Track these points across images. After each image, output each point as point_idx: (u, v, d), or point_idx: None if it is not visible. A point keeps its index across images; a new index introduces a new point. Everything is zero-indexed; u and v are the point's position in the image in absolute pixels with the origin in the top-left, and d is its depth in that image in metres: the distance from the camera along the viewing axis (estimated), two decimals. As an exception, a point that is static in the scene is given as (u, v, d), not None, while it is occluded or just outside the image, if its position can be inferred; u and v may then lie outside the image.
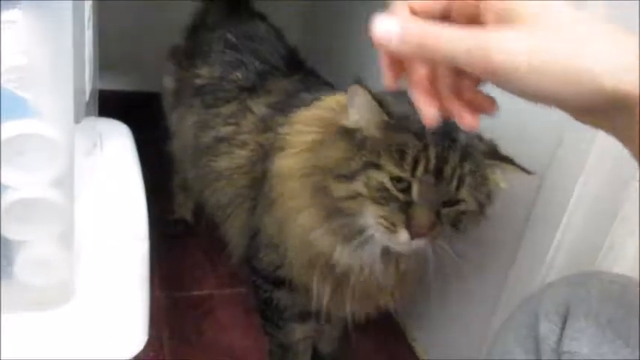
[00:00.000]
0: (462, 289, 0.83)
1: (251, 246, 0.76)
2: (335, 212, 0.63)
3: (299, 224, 0.66)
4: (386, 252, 0.65)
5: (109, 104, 0.82)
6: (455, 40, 0.35)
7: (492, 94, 0.39)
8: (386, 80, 0.41)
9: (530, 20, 0.34)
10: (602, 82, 0.32)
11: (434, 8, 0.38)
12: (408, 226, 0.58)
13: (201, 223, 1.07)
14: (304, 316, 0.77)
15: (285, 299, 0.75)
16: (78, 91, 0.58)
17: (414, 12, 0.38)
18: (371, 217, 0.60)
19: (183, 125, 0.92)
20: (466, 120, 0.39)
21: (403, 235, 0.59)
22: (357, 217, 0.62)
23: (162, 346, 0.86)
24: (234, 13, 0.99)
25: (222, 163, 0.80)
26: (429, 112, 0.39)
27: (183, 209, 1.16)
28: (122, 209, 0.69)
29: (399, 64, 0.39)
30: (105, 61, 0.81)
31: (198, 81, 0.90)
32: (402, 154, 0.59)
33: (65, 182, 0.49)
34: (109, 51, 0.84)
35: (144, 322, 0.59)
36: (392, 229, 0.59)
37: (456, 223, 0.62)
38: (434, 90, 0.40)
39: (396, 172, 0.59)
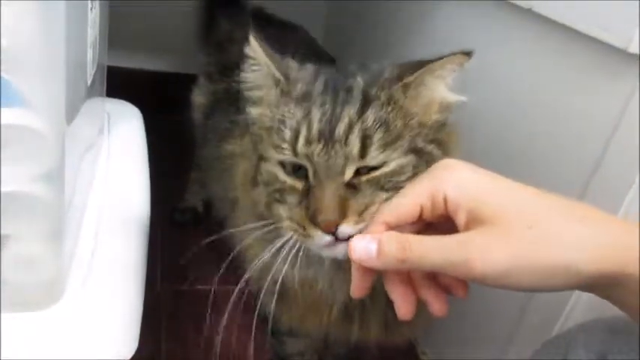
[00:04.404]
0: (480, 307, 0.78)
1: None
2: (262, 216, 0.52)
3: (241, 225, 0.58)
4: (336, 264, 0.51)
5: (120, 82, 0.79)
6: (436, 254, 0.36)
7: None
8: (354, 288, 0.40)
9: (498, 221, 0.36)
10: (579, 270, 0.34)
11: (407, 218, 0.40)
12: (313, 220, 0.45)
13: (211, 214, 1.04)
14: (292, 330, 0.71)
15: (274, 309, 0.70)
16: (77, 76, 0.54)
17: (390, 227, 0.40)
18: (282, 223, 0.48)
19: (213, 133, 0.88)
20: (435, 308, 0.40)
21: (317, 235, 0.45)
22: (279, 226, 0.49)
23: (160, 344, 0.83)
24: (269, 25, 0.97)
25: (230, 146, 0.76)
26: (405, 307, 0.39)
27: (195, 199, 1.13)
28: (122, 202, 0.65)
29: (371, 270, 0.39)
30: (118, 39, 0.78)
31: (235, 85, 0.87)
32: (281, 129, 0.48)
33: (54, 177, 0.45)
34: (122, 28, 0.81)
35: (136, 327, 0.56)
36: (302, 231, 0.46)
37: (394, 187, 0.46)
38: (408, 278, 0.40)
39: (277, 155, 0.47)
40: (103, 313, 0.52)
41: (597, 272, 0.34)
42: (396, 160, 0.46)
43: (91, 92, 0.62)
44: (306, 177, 0.47)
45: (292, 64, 0.53)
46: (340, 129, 0.45)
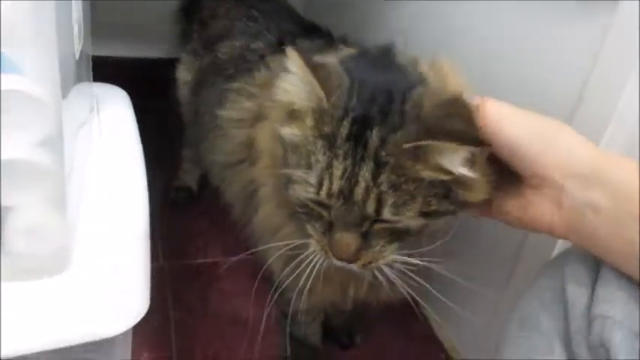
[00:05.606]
0: (476, 257, 0.80)
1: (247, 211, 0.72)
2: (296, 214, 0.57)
3: (264, 214, 0.64)
4: None
5: (106, 71, 0.79)
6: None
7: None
8: None
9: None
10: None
11: None
12: (332, 253, 0.52)
13: (206, 190, 1.05)
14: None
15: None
16: (66, 50, 0.54)
17: None
18: (310, 238, 0.55)
19: (205, 106, 0.88)
20: None
21: (335, 261, 0.53)
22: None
23: (168, 316, 0.84)
24: None
25: (226, 112, 0.76)
26: None
27: (189, 177, 1.14)
28: (121, 174, 0.66)
29: None
30: (103, 27, 0.77)
31: (220, 55, 0.88)
32: (309, 168, 0.51)
33: (53, 144, 0.46)
34: (108, 16, 0.80)
35: (145, 292, 0.57)
36: (324, 254, 0.54)
37: (400, 238, 0.52)
38: None
39: (304, 192, 0.52)
40: (111, 279, 0.53)
41: (581, 166, 0.45)
42: (405, 221, 0.50)
43: (79, 74, 0.62)
44: (330, 210, 0.52)
45: (334, 76, 0.52)
46: (358, 192, 0.49)
